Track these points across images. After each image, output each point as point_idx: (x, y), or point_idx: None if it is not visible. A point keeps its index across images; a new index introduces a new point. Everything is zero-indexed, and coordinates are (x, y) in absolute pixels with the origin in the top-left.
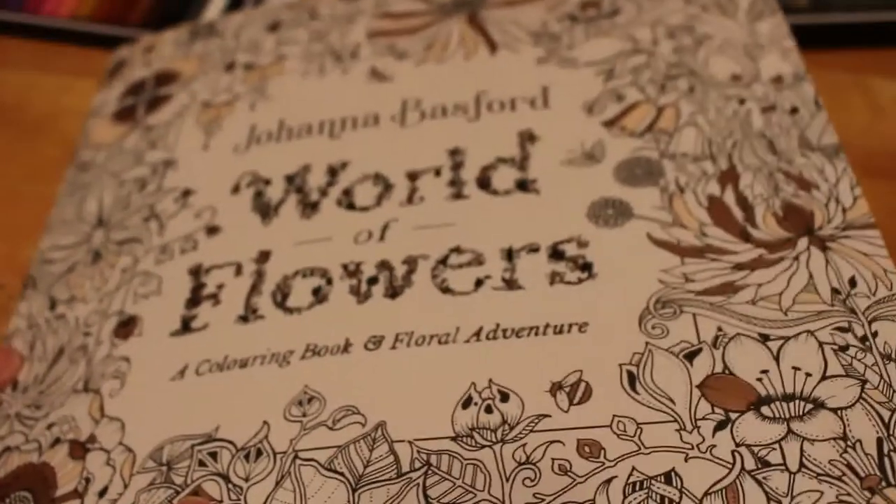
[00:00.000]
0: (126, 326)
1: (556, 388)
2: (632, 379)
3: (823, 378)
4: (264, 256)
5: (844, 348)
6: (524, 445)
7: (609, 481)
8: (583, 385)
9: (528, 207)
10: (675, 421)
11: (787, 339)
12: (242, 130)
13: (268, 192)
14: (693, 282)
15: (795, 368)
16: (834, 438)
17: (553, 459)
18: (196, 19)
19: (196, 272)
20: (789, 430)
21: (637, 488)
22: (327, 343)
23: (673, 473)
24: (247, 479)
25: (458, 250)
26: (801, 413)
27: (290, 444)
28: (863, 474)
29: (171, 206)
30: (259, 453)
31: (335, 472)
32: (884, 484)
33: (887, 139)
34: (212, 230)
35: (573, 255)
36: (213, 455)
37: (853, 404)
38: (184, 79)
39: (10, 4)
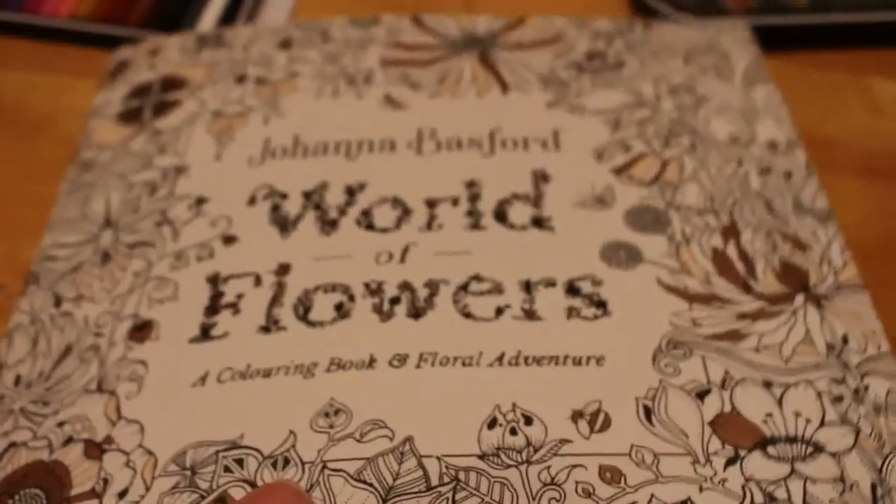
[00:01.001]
0: (141, 330)
1: (577, 415)
2: (647, 412)
3: (822, 424)
4: (284, 269)
5: (839, 398)
6: (549, 467)
7: None
8: (602, 414)
9: (543, 243)
10: (689, 454)
11: (788, 386)
12: (256, 143)
13: (285, 206)
14: (701, 326)
15: (797, 414)
16: (833, 480)
17: (577, 482)
18: (195, 21)
19: (214, 280)
20: (793, 470)
21: None
22: (352, 358)
23: (689, 503)
24: None
25: (478, 278)
26: (803, 455)
27: (317, 454)
28: None
29: (184, 212)
30: (287, 462)
31: (365, 483)
32: None
33: (887, 139)
34: (228, 239)
35: (588, 292)
36: (240, 462)
37: (849, 450)
38: (192, 86)
39: (10, 4)
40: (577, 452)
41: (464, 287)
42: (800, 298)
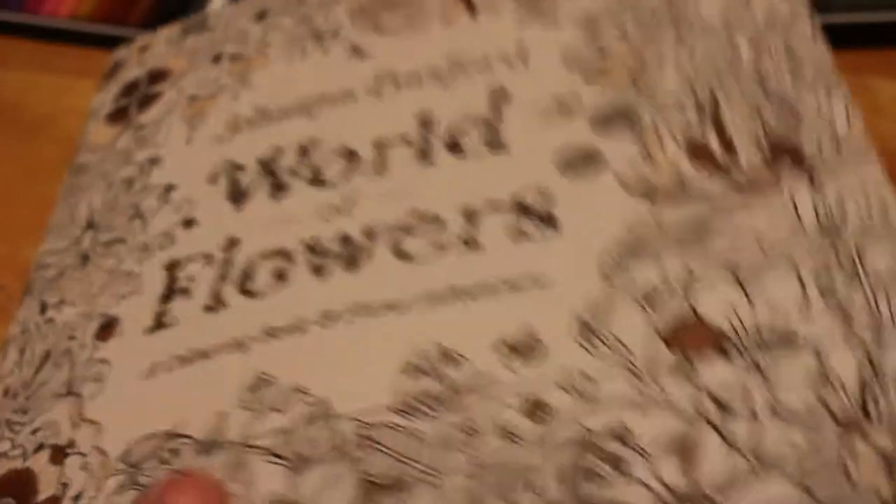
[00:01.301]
0: (107, 328)
1: (506, 347)
2: (588, 332)
3: (802, 314)
4: (233, 243)
5: (827, 282)
6: (469, 411)
7: (557, 443)
8: (535, 342)
9: (496, 166)
10: (632, 372)
11: (762, 274)
12: (224, 121)
13: (242, 178)
14: (666, 226)
15: (770, 305)
16: (810, 379)
17: (499, 425)
18: None
19: (172, 267)
20: (759, 374)
21: (587, 448)
22: (283, 324)
23: (626, 429)
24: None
25: (419, 216)
26: (774, 354)
27: (241, 432)
28: (841, 416)
29: (154, 203)
30: (213, 446)
31: (280, 456)
32: (865, 424)
33: (887, 139)
34: (188, 223)
35: (538, 209)
36: (176, 452)
37: (834, 341)
38: (174, 76)
39: (10, 4)
40: (503, 389)
41: (403, 228)
42: (790, 177)
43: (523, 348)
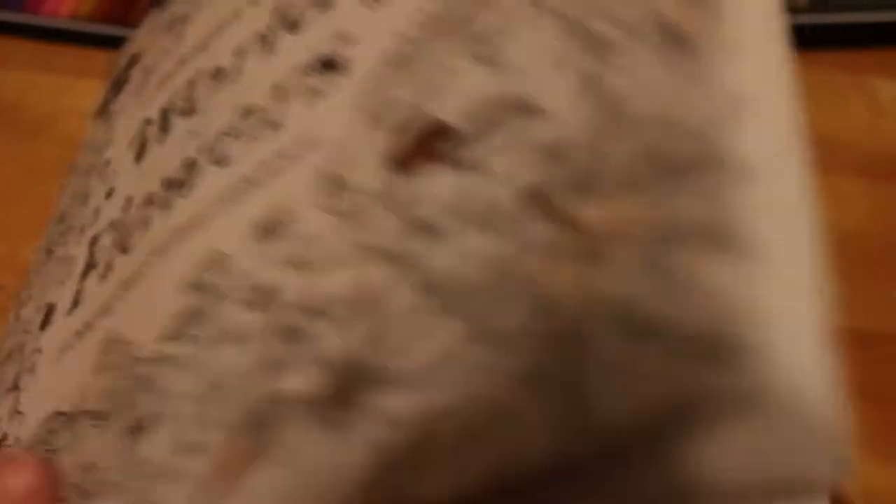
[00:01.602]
0: (47, 316)
1: (259, 233)
2: (331, 186)
3: (546, 74)
4: (129, 203)
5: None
6: (216, 319)
7: (262, 335)
8: (282, 218)
9: (314, 28)
10: (345, 218)
11: (515, 39)
12: (157, 83)
13: (148, 133)
14: (436, 20)
15: (514, 75)
16: (538, 156)
17: (230, 327)
18: None
19: (93, 242)
20: (468, 172)
21: (282, 335)
22: (131, 275)
23: (322, 301)
24: (67, 451)
25: (240, 113)
26: (501, 137)
27: (87, 398)
28: (555, 202)
29: (97, 183)
30: (73, 419)
31: (101, 418)
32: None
33: (887, 139)
34: (109, 193)
35: (336, 58)
36: (55, 431)
37: (575, 97)
38: (141, 57)
39: (10, 4)
40: (243, 282)
41: (227, 132)
42: None
43: (272, 229)
